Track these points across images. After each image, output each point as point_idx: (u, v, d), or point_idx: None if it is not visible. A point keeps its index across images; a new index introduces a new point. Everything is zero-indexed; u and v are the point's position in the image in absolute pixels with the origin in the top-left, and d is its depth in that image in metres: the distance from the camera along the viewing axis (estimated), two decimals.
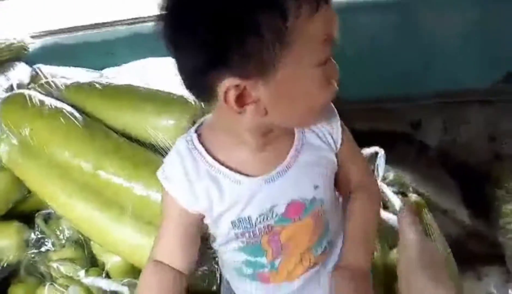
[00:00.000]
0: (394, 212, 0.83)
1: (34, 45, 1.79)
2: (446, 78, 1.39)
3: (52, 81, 1.13)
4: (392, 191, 0.89)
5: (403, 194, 0.92)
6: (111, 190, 0.98)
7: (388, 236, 0.80)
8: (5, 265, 1.07)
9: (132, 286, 0.93)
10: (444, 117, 1.33)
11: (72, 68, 1.56)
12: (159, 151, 1.01)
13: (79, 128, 1.00)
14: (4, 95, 1.13)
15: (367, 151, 1.02)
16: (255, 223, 0.66)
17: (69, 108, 1.03)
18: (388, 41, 1.40)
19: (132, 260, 1.04)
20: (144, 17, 1.76)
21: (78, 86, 1.09)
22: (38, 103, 1.02)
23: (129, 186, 0.96)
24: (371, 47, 1.38)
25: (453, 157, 1.27)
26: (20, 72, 1.67)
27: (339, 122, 0.71)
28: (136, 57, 1.60)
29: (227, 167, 0.65)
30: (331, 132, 0.70)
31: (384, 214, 0.80)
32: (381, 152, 1.00)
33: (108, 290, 0.98)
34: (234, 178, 0.65)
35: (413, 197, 0.93)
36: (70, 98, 1.07)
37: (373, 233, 0.74)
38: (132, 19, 1.81)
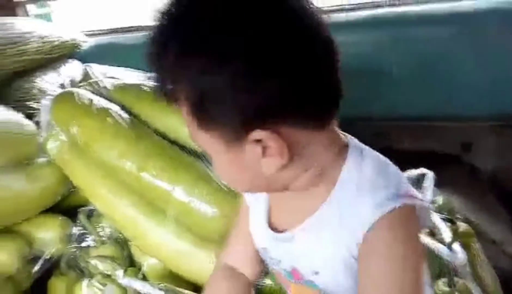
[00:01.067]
0: (442, 241, 0.79)
1: (87, 43, 1.85)
2: (501, 100, 1.31)
3: (100, 81, 1.15)
4: (440, 217, 0.85)
5: (451, 221, 0.88)
6: (153, 193, 0.99)
7: (435, 266, 0.75)
8: (48, 257, 1.10)
9: (168, 292, 0.94)
10: (498, 141, 1.26)
11: (122, 69, 1.60)
12: (200, 157, 1.02)
13: (125, 128, 1.01)
14: (56, 91, 1.17)
15: (414, 172, 0.98)
16: (270, 260, 0.65)
17: (116, 108, 1.05)
18: (440, 59, 1.34)
19: (169, 264, 1.05)
20: None
21: (125, 87, 1.12)
22: (87, 101, 1.05)
23: (170, 190, 0.97)
24: (422, 64, 1.33)
25: (505, 184, 1.20)
26: (73, 70, 1.73)
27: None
28: None
29: None
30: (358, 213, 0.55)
31: (431, 242, 0.76)
32: (430, 174, 0.95)
33: (143, 292, 0.99)
34: None
35: (463, 226, 0.88)
36: (118, 98, 1.09)
37: None
38: None
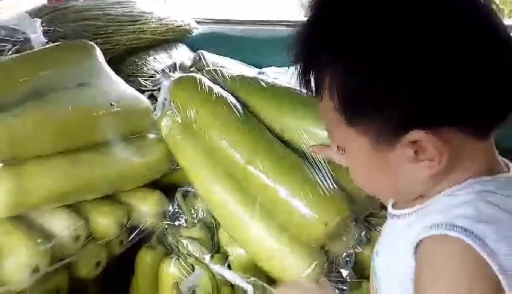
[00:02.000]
0: None
1: (197, 30, 1.91)
2: None
3: (219, 70, 1.18)
4: None
5: None
6: (256, 188, 1.00)
7: None
8: (143, 228, 1.15)
9: (256, 287, 0.94)
10: None
11: (231, 60, 1.64)
12: (309, 161, 1.00)
13: (239, 120, 1.03)
14: (172, 75, 1.21)
15: None
16: None
17: (232, 99, 1.07)
18: None
19: (258, 259, 1.04)
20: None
21: (243, 80, 1.13)
22: (207, 88, 1.07)
23: (274, 188, 0.97)
24: None
25: None
26: (182, 54, 1.80)
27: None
28: (283, 61, 1.62)
29: None
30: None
31: None
32: None
33: (232, 282, 1.00)
34: None
35: None
36: (234, 90, 1.11)
37: None
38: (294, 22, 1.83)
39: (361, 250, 1.06)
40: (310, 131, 1.00)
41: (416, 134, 0.50)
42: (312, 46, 0.53)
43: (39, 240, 0.90)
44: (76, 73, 1.07)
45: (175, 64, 1.60)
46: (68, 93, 1.01)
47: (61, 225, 0.96)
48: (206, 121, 1.04)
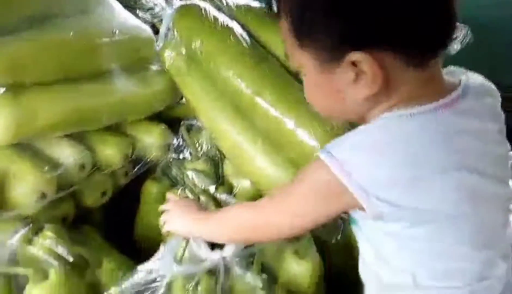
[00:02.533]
0: None
1: None
2: None
3: None
4: None
5: None
6: (263, 120, 0.99)
7: None
8: (147, 160, 1.15)
9: None
10: None
11: None
12: None
13: (246, 50, 1.00)
14: (175, 2, 1.16)
15: None
16: None
17: (239, 29, 1.04)
18: None
19: (263, 190, 1.06)
20: None
21: (250, 9, 1.09)
22: (213, 18, 1.03)
23: (281, 121, 0.96)
24: None
25: None
26: None
27: None
28: None
29: None
30: None
31: None
32: None
33: None
34: None
35: None
36: (241, 19, 1.07)
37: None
38: None
39: None
40: None
41: (354, 55, 0.54)
42: None
43: (46, 168, 0.91)
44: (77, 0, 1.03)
45: None
46: (70, 19, 0.97)
47: (66, 154, 0.96)
48: (212, 51, 1.01)
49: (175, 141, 1.19)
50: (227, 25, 1.03)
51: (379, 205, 0.57)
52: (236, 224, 0.74)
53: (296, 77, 1.01)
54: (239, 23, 1.06)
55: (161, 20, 1.43)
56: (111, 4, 1.13)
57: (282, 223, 0.67)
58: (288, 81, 0.99)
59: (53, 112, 0.91)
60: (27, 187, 0.87)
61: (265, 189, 1.05)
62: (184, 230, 0.81)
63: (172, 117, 1.24)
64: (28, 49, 0.88)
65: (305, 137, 0.94)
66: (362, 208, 0.58)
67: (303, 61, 0.61)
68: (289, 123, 0.95)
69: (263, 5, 1.11)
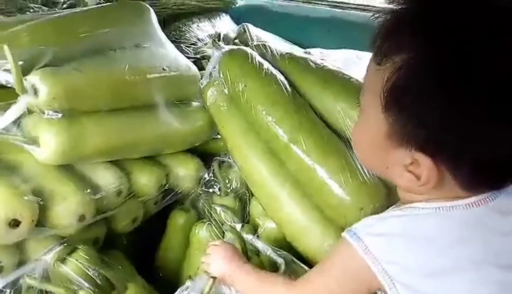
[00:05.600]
0: None
1: (241, 1, 1.91)
2: None
3: (268, 46, 1.19)
4: None
5: None
6: (296, 165, 1.02)
7: None
8: (179, 191, 1.19)
9: (287, 262, 0.98)
10: None
11: (274, 36, 1.65)
12: (347, 145, 1.02)
13: (286, 98, 1.05)
14: (223, 46, 1.22)
15: None
16: None
17: (281, 77, 1.09)
18: None
19: (289, 235, 1.08)
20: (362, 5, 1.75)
21: (293, 58, 1.14)
22: (258, 64, 1.09)
23: (313, 169, 0.99)
24: None
25: None
26: (225, 25, 1.81)
27: None
28: (324, 42, 1.63)
29: None
30: None
31: None
32: None
33: (263, 253, 1.04)
34: None
35: None
36: (282, 67, 1.12)
37: None
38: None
39: None
40: (355, 118, 1.02)
41: (422, 158, 0.56)
42: (405, 25, 0.56)
43: (87, 191, 0.95)
44: (133, 33, 1.09)
45: (219, 34, 1.62)
46: (125, 52, 1.04)
47: (106, 179, 1.00)
48: (253, 95, 1.06)
49: (206, 175, 1.23)
50: (270, 72, 1.08)
51: (404, 293, 0.58)
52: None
53: (331, 129, 1.05)
54: (280, 71, 1.11)
55: (203, 57, 1.51)
56: (162, 40, 1.19)
57: None
58: (324, 132, 1.03)
59: (101, 139, 0.96)
60: (68, 207, 0.91)
61: (288, 233, 1.07)
62: (222, 276, 0.84)
63: (205, 152, 1.29)
64: (86, 78, 0.94)
65: (336, 187, 0.97)
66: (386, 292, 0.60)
67: (375, 114, 0.59)
68: (321, 172, 0.99)
69: (304, 55, 1.16)
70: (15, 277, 0.86)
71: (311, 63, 1.11)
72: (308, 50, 1.47)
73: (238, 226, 1.14)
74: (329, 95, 1.05)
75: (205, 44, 1.66)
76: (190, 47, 1.63)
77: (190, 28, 1.71)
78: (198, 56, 1.54)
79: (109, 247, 1.11)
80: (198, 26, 1.73)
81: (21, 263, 0.89)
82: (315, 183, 1.00)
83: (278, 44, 1.44)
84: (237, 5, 1.90)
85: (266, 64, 1.10)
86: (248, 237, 1.05)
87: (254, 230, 1.17)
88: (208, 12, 1.84)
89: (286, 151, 1.03)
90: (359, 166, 0.98)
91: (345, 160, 0.99)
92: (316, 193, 1.01)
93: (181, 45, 1.64)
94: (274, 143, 1.05)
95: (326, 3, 1.80)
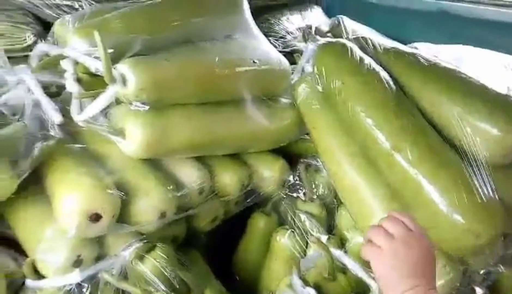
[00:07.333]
0: None
1: None
2: None
3: (369, 39, 1.06)
4: None
5: None
6: (397, 177, 0.89)
7: None
8: (261, 193, 1.11)
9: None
10: None
11: (371, 30, 1.51)
12: (467, 157, 0.87)
13: (391, 98, 0.92)
14: (319, 38, 1.12)
15: None
16: None
17: (385, 74, 0.96)
18: None
19: None
20: None
21: (399, 53, 1.01)
22: (358, 58, 0.97)
23: (419, 183, 0.85)
24: None
25: None
26: (316, 17, 1.70)
27: None
28: (428, 38, 1.46)
29: None
30: None
31: None
32: None
33: (353, 272, 0.93)
34: None
35: None
36: (387, 64, 1.00)
37: None
38: None
39: (502, 269, 0.92)
40: (474, 125, 0.87)
41: None
42: None
43: (170, 187, 0.90)
44: (224, 24, 1.03)
45: (310, 26, 1.51)
46: (216, 44, 0.98)
47: (190, 176, 0.95)
48: (352, 93, 0.95)
49: (291, 178, 1.14)
50: (372, 68, 0.96)
51: None
52: None
53: (443, 136, 0.91)
54: (384, 67, 0.98)
55: (293, 50, 1.41)
56: (254, 31, 1.12)
57: None
58: (434, 139, 0.89)
59: (187, 134, 0.91)
60: (150, 203, 0.87)
61: None
62: (383, 277, 0.62)
63: (290, 152, 1.20)
64: (175, 70, 0.90)
65: (446, 206, 0.83)
66: None
67: None
68: (428, 187, 0.85)
69: (414, 51, 1.02)
70: (93, 272, 0.83)
71: (421, 59, 0.97)
72: (414, 44, 1.32)
73: (324, 238, 1.04)
74: (442, 97, 0.91)
75: (295, 37, 1.56)
76: (279, 40, 1.54)
77: (280, 21, 1.62)
78: (287, 49, 1.45)
79: (187, 245, 1.06)
80: (288, 18, 1.64)
81: (99, 257, 0.86)
82: (420, 198, 0.86)
83: (378, 40, 1.30)
84: None
85: (368, 59, 0.98)
86: (336, 253, 0.94)
87: (342, 243, 1.06)
88: (299, 4, 1.74)
89: (386, 159, 0.90)
90: (476, 182, 0.83)
91: (459, 175, 0.84)
92: (419, 210, 0.87)
93: (270, 38, 1.56)
94: (372, 149, 0.93)
95: None
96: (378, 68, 0.97)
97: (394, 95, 0.93)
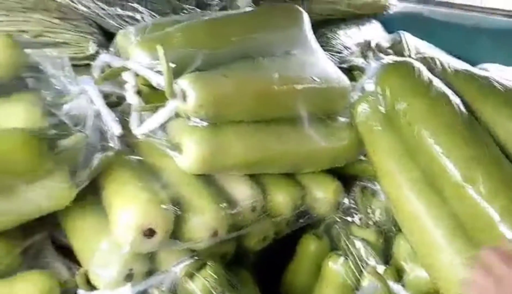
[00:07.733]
0: None
1: (394, 7, 1.73)
2: None
3: (437, 59, 1.01)
4: None
5: None
6: (465, 209, 0.83)
7: None
8: (314, 215, 1.07)
9: None
10: None
11: (435, 48, 1.44)
12: None
13: (462, 124, 0.86)
14: (383, 56, 1.07)
15: None
16: None
17: (455, 98, 0.90)
18: None
19: (442, 288, 0.89)
20: None
21: (470, 76, 0.95)
22: (427, 80, 0.92)
23: (491, 218, 0.79)
24: None
25: None
26: (375, 32, 1.65)
27: None
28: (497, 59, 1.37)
29: None
30: None
31: None
32: None
33: None
34: None
35: None
36: (457, 86, 0.93)
37: None
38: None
39: None
40: None
41: None
42: None
43: (223, 205, 0.88)
44: (284, 39, 1.01)
45: (369, 42, 1.46)
46: (275, 60, 0.96)
47: (243, 194, 0.93)
48: (418, 116, 0.89)
49: (345, 201, 1.09)
50: (442, 91, 0.90)
51: None
52: None
53: None
54: (454, 91, 0.92)
55: (351, 67, 1.37)
56: (313, 46, 1.09)
57: None
58: (508, 171, 0.82)
59: (243, 151, 0.90)
60: (202, 221, 0.85)
61: (443, 287, 0.88)
62: None
63: (346, 174, 1.15)
64: (233, 86, 0.88)
65: None
66: None
67: None
68: (501, 225, 0.78)
69: (487, 73, 0.95)
70: (144, 288, 0.82)
71: (495, 83, 0.90)
72: (483, 65, 1.24)
73: (381, 268, 0.98)
74: None
75: (352, 52, 1.51)
76: (335, 55, 1.50)
77: (337, 35, 1.58)
78: (344, 65, 1.40)
79: (236, 263, 1.04)
80: (346, 32, 1.59)
81: (150, 272, 0.85)
82: (491, 234, 0.79)
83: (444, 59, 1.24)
84: (390, 12, 1.72)
85: (436, 81, 0.92)
86: (394, 287, 0.89)
87: (399, 276, 1.00)
88: (358, 19, 1.70)
89: (455, 190, 0.84)
90: None
91: None
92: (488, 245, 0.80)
93: (326, 53, 1.52)
94: (438, 176, 0.87)
95: (503, 12, 1.52)
96: (447, 91, 0.91)
97: (465, 120, 0.86)
